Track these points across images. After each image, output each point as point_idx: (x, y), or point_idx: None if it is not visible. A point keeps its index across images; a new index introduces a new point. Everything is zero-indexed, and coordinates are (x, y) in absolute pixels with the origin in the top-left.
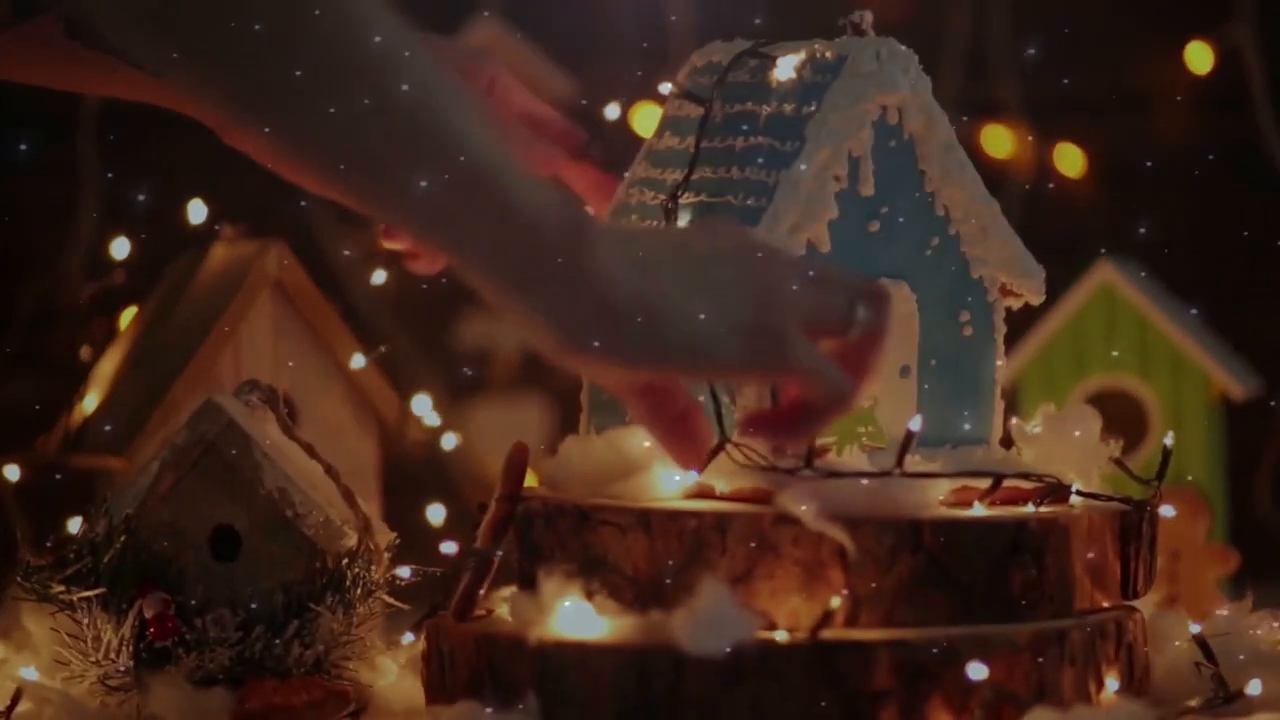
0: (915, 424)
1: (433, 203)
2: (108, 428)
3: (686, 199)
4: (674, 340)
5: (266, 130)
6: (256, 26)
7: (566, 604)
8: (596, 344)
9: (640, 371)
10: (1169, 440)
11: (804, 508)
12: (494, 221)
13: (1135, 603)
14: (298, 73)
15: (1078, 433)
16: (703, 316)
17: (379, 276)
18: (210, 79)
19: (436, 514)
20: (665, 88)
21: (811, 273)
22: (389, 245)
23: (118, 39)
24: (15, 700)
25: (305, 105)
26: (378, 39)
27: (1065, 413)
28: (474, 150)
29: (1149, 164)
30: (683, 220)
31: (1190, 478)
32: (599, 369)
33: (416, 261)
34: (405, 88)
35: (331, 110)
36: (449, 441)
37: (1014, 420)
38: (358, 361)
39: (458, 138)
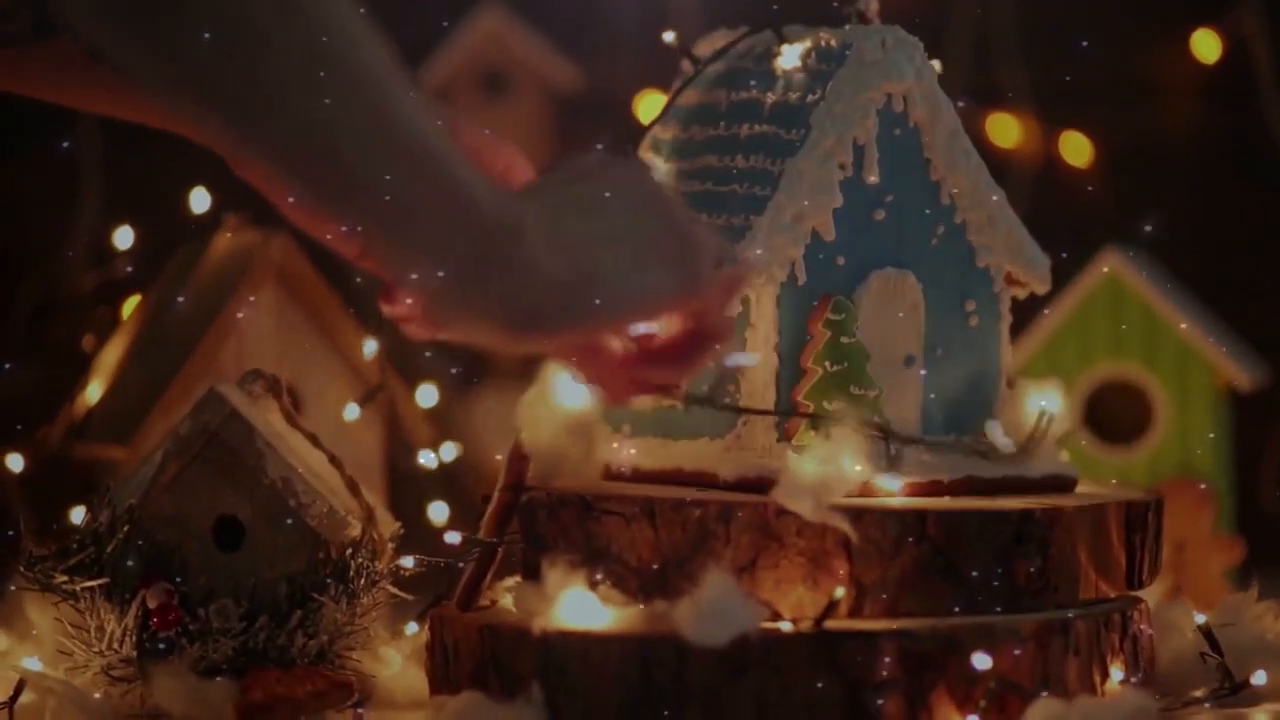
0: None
1: (390, 198)
2: (110, 418)
3: (690, 187)
4: (614, 297)
5: (223, 122)
6: (221, 26)
7: (570, 594)
8: (545, 322)
9: (589, 335)
10: (1049, 404)
11: (801, 502)
12: (447, 214)
13: (1140, 593)
14: (263, 66)
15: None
16: (633, 264)
17: (370, 347)
18: (173, 74)
19: (439, 512)
20: (669, 35)
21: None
22: (387, 310)
23: (89, 33)
24: (18, 691)
25: (270, 102)
26: (343, 34)
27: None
28: (428, 142)
29: (1155, 154)
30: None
31: (1202, 465)
32: (547, 345)
33: (411, 325)
34: (367, 81)
35: (295, 107)
36: (448, 452)
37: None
38: (352, 412)
39: (414, 129)
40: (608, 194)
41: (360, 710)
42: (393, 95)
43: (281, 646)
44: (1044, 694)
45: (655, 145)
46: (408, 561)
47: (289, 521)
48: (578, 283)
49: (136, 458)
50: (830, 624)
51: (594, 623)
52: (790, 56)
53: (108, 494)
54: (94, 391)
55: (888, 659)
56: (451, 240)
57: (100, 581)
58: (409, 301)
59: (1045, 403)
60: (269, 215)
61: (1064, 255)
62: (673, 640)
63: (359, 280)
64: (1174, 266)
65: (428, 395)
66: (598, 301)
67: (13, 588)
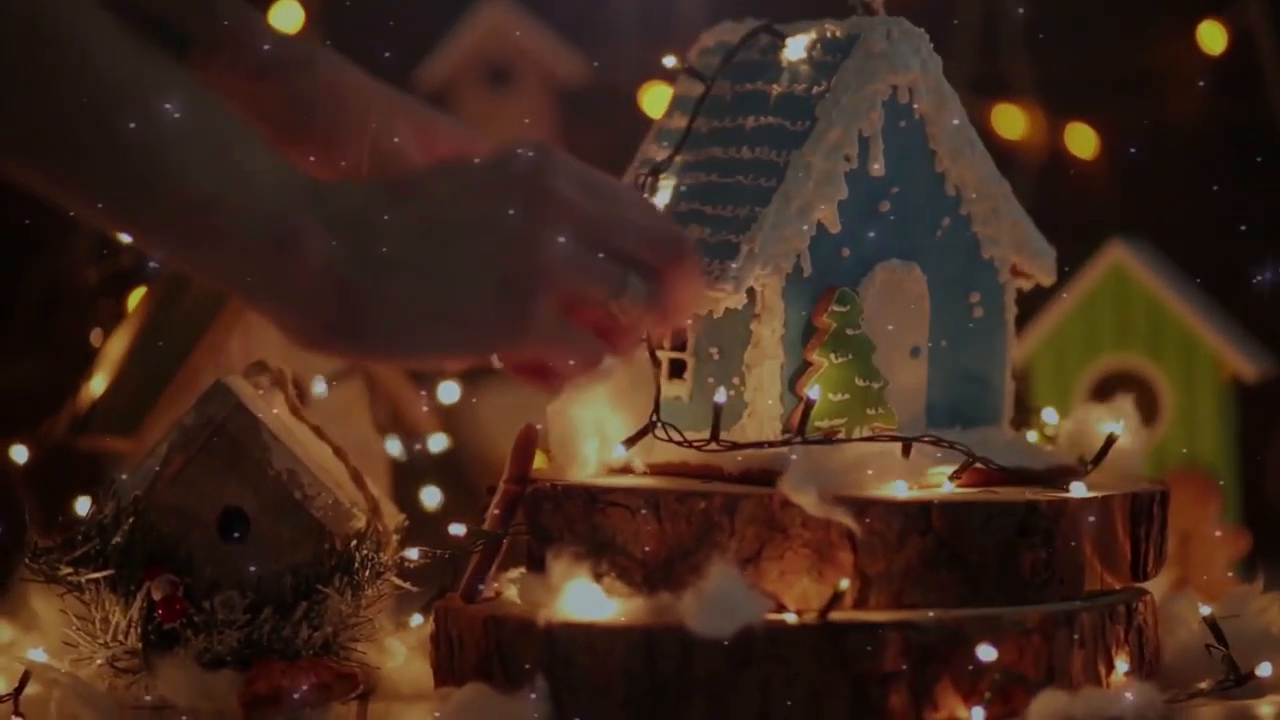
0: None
1: (160, 232)
2: (116, 409)
3: (695, 179)
4: (399, 334)
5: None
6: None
7: (575, 586)
8: (325, 342)
9: (379, 361)
10: (1117, 429)
11: (805, 494)
12: (207, 249)
13: (1145, 584)
14: (33, 98)
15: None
16: (436, 308)
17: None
18: None
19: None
20: (669, 61)
21: (593, 215)
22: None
23: None
24: (23, 682)
25: (46, 136)
26: (110, 64)
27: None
28: (191, 182)
29: (1160, 146)
30: (662, 196)
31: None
32: (344, 358)
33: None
34: (132, 123)
35: (67, 140)
36: (439, 442)
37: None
38: (319, 388)
39: (178, 171)
40: (461, 217)
41: (365, 702)
42: (171, 138)
43: (286, 638)
44: (1049, 686)
45: (660, 137)
46: (412, 553)
47: (294, 513)
48: (356, 318)
49: (142, 449)
50: (835, 616)
51: (599, 614)
52: (796, 48)
53: (113, 486)
54: (99, 383)
55: (892, 651)
56: (225, 272)
57: (105, 573)
58: None
59: (1115, 428)
60: None
61: (1068, 240)
62: (677, 632)
63: None
64: (1179, 258)
65: (449, 392)
66: (380, 338)
67: (18, 579)
